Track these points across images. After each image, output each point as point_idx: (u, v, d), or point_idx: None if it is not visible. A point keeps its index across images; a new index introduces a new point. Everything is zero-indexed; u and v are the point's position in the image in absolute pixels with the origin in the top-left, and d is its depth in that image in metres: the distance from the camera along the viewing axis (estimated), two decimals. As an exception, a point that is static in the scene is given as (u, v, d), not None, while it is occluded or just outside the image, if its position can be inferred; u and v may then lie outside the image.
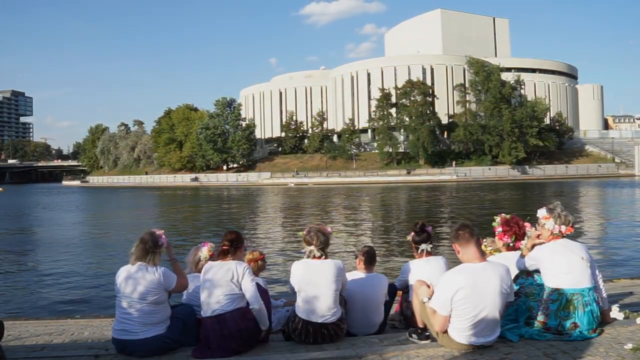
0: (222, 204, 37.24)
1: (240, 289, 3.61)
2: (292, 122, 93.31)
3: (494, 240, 4.44)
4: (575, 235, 3.79)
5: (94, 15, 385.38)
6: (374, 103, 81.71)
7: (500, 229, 4.22)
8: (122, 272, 3.57)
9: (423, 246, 4.35)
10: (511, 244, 4.18)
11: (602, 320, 3.64)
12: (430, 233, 4.41)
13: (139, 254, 3.57)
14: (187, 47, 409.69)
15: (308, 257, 3.81)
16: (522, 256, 3.86)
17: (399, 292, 4.62)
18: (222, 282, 3.58)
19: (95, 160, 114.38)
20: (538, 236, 3.76)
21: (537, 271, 3.80)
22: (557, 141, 77.31)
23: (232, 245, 3.68)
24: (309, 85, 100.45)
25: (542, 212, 3.75)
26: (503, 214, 4.32)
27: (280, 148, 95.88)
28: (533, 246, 3.79)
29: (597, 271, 3.75)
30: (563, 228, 3.65)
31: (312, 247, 3.78)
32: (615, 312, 3.69)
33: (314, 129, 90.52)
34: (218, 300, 3.57)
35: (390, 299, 4.35)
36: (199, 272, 4.16)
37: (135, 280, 3.49)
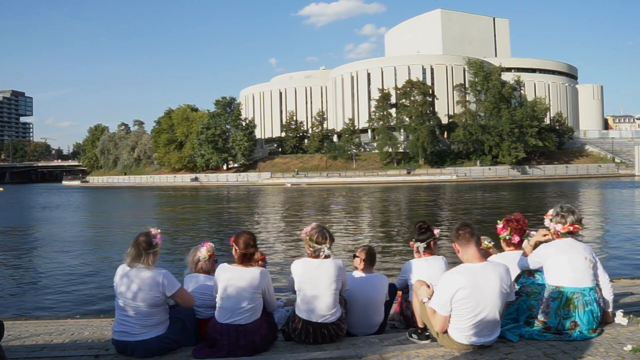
0: (222, 203, 37.24)
1: (262, 297, 3.63)
2: (292, 122, 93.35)
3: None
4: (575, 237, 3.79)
5: (94, 16, 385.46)
6: (373, 103, 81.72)
7: (500, 225, 4.26)
8: (119, 273, 3.54)
9: (417, 244, 4.37)
10: (507, 237, 4.21)
11: (603, 321, 3.64)
12: (433, 233, 4.41)
13: (133, 255, 3.53)
14: (187, 47, 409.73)
15: (317, 256, 3.76)
16: (525, 255, 3.87)
17: (399, 292, 4.62)
18: (246, 292, 3.52)
19: (95, 160, 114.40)
20: (545, 235, 3.80)
21: (539, 270, 3.81)
22: (557, 141, 77.37)
23: (253, 249, 3.66)
24: (309, 85, 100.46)
25: (549, 211, 3.80)
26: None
27: (280, 148, 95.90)
28: (536, 245, 3.81)
29: (603, 272, 3.73)
30: (558, 226, 3.67)
31: (324, 246, 3.75)
32: (620, 317, 3.69)
33: (314, 129, 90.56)
34: (241, 311, 3.51)
35: (390, 299, 4.35)
36: (199, 272, 4.16)
37: (132, 282, 3.45)
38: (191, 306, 3.74)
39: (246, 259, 3.60)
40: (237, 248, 3.59)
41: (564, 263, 3.56)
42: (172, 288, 3.53)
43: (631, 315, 3.78)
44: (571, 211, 3.70)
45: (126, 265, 3.54)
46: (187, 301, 3.68)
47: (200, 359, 3.48)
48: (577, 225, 3.69)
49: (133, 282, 3.46)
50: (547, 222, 3.75)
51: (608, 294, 3.73)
